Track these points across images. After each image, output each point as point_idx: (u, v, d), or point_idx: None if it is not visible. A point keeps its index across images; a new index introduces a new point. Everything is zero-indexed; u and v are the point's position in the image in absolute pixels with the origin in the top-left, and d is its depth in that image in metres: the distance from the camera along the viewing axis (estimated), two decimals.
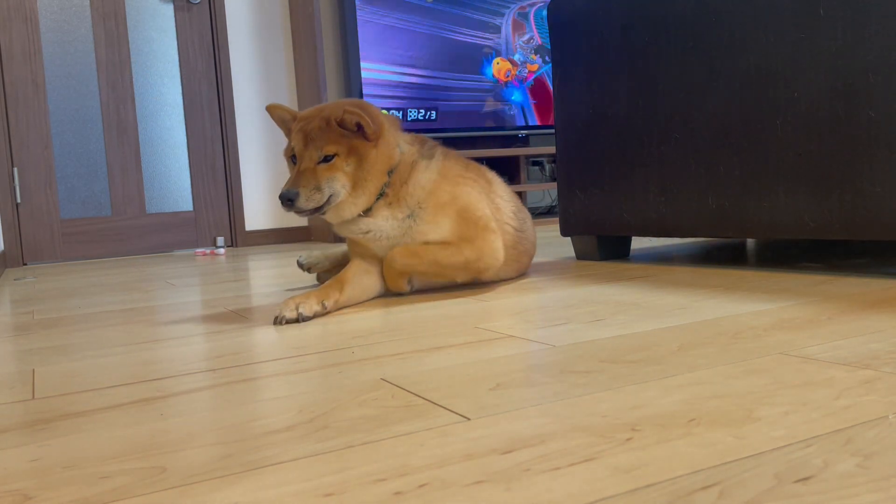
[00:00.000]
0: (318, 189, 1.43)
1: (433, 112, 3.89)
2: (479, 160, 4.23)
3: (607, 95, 1.87)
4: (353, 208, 1.49)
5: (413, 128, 3.81)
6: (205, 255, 3.44)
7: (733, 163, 1.58)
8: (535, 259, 2.15)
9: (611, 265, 1.88)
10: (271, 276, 2.23)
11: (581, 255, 2.05)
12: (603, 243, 2.00)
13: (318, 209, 1.45)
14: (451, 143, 4.08)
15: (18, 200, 3.50)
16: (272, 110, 1.56)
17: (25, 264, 3.53)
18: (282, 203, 1.40)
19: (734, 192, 1.58)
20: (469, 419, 0.70)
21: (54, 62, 3.56)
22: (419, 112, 3.85)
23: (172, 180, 3.82)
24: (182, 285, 2.12)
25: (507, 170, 4.10)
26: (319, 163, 1.44)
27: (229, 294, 1.82)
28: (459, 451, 0.62)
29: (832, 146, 1.40)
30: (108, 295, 1.98)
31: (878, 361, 0.81)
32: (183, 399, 0.85)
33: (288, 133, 1.55)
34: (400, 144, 1.55)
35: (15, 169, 3.48)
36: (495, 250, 1.53)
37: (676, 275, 1.60)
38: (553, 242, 2.72)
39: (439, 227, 1.52)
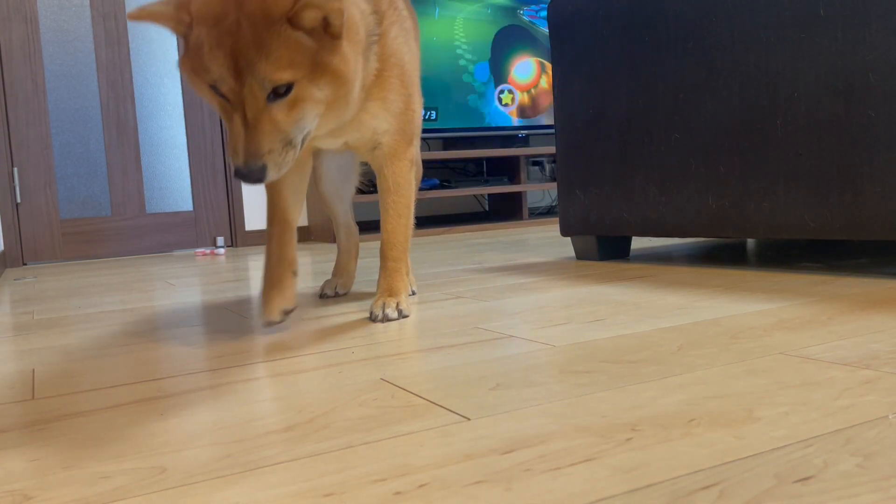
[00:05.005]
0: (289, 143, 0.98)
1: (433, 112, 3.89)
2: (479, 160, 4.24)
3: (607, 95, 1.87)
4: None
5: None
6: (205, 255, 3.44)
7: (733, 163, 1.58)
8: (535, 259, 2.15)
9: (611, 265, 1.88)
10: None
11: (581, 255, 2.05)
12: (603, 243, 2.00)
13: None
14: (451, 142, 4.09)
15: (18, 200, 3.50)
16: (139, 16, 0.97)
17: (25, 264, 3.53)
18: (244, 180, 0.96)
19: (734, 192, 1.58)
20: (469, 419, 0.70)
21: (54, 62, 3.55)
22: None
23: (172, 180, 3.82)
24: (182, 285, 2.12)
25: (507, 170, 4.10)
26: (272, 99, 0.96)
27: (229, 294, 1.82)
28: (459, 451, 0.62)
29: (832, 146, 1.40)
30: (108, 295, 1.98)
31: (878, 361, 0.81)
32: (183, 399, 0.85)
33: (184, 33, 0.97)
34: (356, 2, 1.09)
35: (15, 169, 3.48)
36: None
37: (676, 275, 1.60)
38: (553, 242, 2.72)
39: (387, 115, 1.25)
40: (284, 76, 0.94)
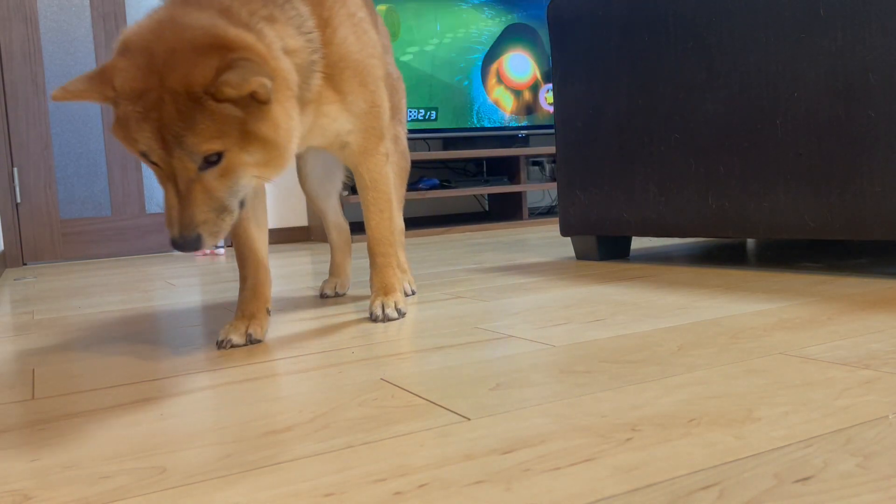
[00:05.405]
0: (225, 209, 0.97)
1: (433, 112, 3.89)
2: (480, 160, 4.24)
3: (607, 95, 1.87)
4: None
5: (413, 128, 3.81)
6: (205, 255, 3.44)
7: (733, 163, 1.58)
8: (535, 259, 2.15)
9: (610, 265, 1.88)
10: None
11: (581, 255, 2.05)
12: (603, 243, 2.00)
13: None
14: (451, 142, 4.09)
15: (18, 200, 3.50)
16: (63, 97, 0.93)
17: (25, 264, 3.53)
18: (180, 250, 0.96)
19: (734, 192, 1.58)
20: (469, 419, 0.70)
21: (54, 62, 3.55)
22: (419, 112, 3.85)
23: None
24: (182, 285, 2.12)
25: (507, 170, 4.10)
26: (204, 167, 0.95)
27: (229, 294, 1.82)
28: (459, 451, 0.62)
29: (832, 146, 1.40)
30: (108, 295, 1.98)
31: (878, 361, 0.81)
32: (183, 399, 0.85)
33: (112, 104, 0.95)
34: (284, 43, 1.04)
35: (15, 169, 3.48)
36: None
37: (676, 275, 1.60)
38: (553, 242, 2.72)
39: (349, 115, 1.22)
40: (213, 147, 0.92)
